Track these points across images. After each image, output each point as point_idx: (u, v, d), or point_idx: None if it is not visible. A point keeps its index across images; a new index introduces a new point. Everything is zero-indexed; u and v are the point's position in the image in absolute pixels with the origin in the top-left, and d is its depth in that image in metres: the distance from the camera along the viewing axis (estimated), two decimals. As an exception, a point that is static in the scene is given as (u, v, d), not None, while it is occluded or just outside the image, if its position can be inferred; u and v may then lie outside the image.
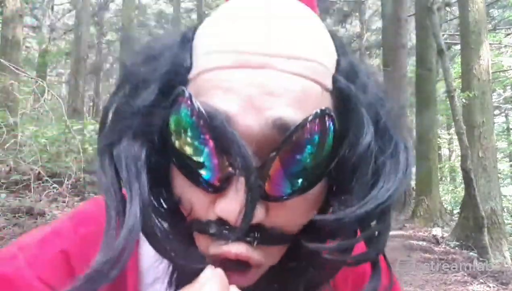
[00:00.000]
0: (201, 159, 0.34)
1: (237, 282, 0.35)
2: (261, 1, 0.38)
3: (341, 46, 0.39)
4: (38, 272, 0.40)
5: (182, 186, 0.36)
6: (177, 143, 0.35)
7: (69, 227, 0.44)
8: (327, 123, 0.34)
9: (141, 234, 0.36)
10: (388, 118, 0.38)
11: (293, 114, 0.33)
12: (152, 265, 0.43)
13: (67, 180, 5.12)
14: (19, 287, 0.39)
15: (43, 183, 4.92)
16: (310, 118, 0.33)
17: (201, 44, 0.37)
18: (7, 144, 5.07)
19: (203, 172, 0.34)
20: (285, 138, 0.33)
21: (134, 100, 0.36)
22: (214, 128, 0.32)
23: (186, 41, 0.38)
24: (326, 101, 0.36)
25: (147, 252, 0.44)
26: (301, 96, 0.34)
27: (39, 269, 0.40)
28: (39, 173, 4.90)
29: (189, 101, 0.34)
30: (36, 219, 4.18)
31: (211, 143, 0.33)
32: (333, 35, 0.40)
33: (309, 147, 0.33)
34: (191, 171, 0.35)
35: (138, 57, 0.39)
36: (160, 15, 18.83)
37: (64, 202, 4.82)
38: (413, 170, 0.39)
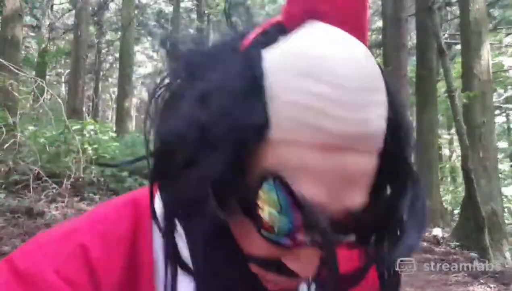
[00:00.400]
0: (283, 231, 0.34)
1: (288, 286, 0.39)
2: (339, 62, 0.33)
3: (394, 92, 0.37)
4: (55, 266, 0.39)
5: (245, 235, 0.37)
6: (262, 213, 0.34)
7: (87, 224, 0.43)
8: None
9: (154, 228, 0.41)
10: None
11: (364, 198, 0.34)
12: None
13: (67, 180, 5.11)
14: (34, 282, 0.38)
15: (42, 183, 4.92)
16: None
17: (286, 101, 0.32)
18: (7, 145, 5.06)
19: (278, 235, 0.34)
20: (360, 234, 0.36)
21: (197, 167, 0.33)
22: (305, 213, 0.32)
23: (257, 82, 0.33)
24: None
25: (159, 246, 0.44)
26: (370, 179, 0.35)
27: (56, 263, 0.39)
28: (38, 173, 4.89)
29: (285, 187, 0.32)
30: (36, 219, 4.17)
31: (297, 222, 0.33)
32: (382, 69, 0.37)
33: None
34: (264, 230, 0.35)
35: (190, 101, 0.34)
36: (159, 14, 18.83)
37: (64, 202, 4.82)
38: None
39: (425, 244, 6.09)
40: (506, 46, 10.90)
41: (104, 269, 0.39)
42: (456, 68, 9.98)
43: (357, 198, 0.33)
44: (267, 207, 0.33)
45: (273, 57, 0.34)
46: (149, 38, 20.75)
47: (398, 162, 0.36)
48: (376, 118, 0.33)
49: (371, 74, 0.34)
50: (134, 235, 0.42)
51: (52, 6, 14.15)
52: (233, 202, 0.35)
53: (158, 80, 0.40)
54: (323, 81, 0.32)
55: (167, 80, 0.40)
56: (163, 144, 0.36)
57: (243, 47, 0.36)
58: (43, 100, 5.81)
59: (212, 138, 0.32)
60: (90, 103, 17.39)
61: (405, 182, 0.37)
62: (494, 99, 7.39)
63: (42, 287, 0.37)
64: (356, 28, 0.36)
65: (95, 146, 6.21)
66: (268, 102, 0.32)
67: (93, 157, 6.09)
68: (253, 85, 0.33)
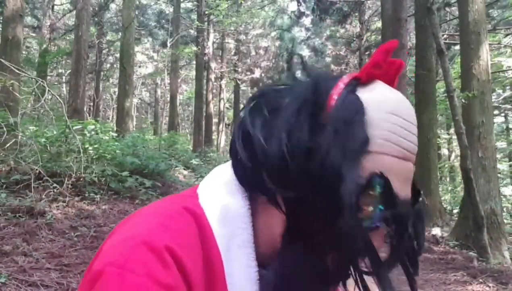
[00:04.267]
0: (378, 217, 0.47)
1: None
2: (409, 108, 0.52)
3: None
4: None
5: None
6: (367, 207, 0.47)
7: (159, 233, 0.46)
8: None
9: (213, 225, 0.49)
10: None
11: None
12: (227, 255, 0.49)
13: (68, 180, 5.12)
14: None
15: (43, 182, 4.92)
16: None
17: (380, 128, 0.48)
18: (8, 144, 5.07)
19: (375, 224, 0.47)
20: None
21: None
22: (399, 211, 0.47)
23: (362, 113, 0.48)
24: None
25: (236, 280, 0.49)
26: None
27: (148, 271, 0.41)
28: (39, 172, 4.90)
29: (388, 188, 0.47)
30: (37, 218, 4.18)
31: (388, 216, 0.47)
32: None
33: None
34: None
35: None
36: (160, 15, 18.84)
37: (65, 202, 4.83)
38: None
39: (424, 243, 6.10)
40: (505, 46, 10.91)
41: (191, 268, 0.44)
42: (455, 68, 9.99)
43: (409, 193, 0.49)
44: (368, 198, 0.46)
45: (365, 99, 0.49)
46: (150, 39, 20.76)
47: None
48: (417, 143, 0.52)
49: (415, 114, 0.54)
50: (199, 238, 0.48)
51: (53, 6, 14.16)
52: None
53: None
54: (400, 116, 0.49)
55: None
56: (312, 159, 0.47)
57: (335, 92, 0.51)
58: (44, 100, 5.82)
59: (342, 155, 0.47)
60: (91, 103, 17.39)
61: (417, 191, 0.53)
62: (493, 99, 7.40)
63: None
64: (392, 84, 0.55)
65: (96, 145, 6.22)
66: (368, 127, 0.48)
67: (94, 157, 6.11)
68: (359, 116, 0.48)
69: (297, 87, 0.52)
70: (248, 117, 0.51)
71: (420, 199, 0.52)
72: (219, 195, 0.51)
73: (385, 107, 0.49)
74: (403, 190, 0.48)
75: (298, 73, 0.56)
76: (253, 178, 0.49)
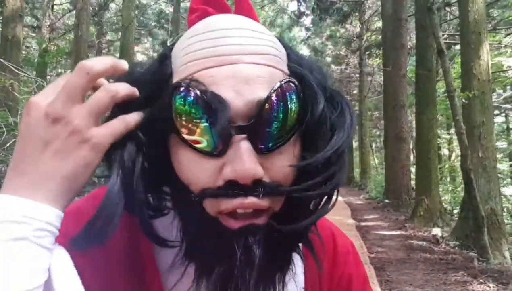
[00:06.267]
0: (205, 132, 0.43)
1: (255, 222, 0.44)
2: (220, 19, 0.49)
3: (287, 46, 0.52)
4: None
5: (188, 165, 0.45)
6: (182, 124, 0.43)
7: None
8: (288, 92, 0.45)
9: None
10: (332, 88, 0.51)
11: (267, 93, 0.44)
12: (170, 269, 0.49)
13: (67, 180, 5.11)
14: None
15: (43, 182, 4.91)
16: (274, 88, 0.44)
17: (181, 56, 0.47)
18: (7, 144, 5.07)
19: (208, 141, 0.43)
20: (260, 108, 0.43)
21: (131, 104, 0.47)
22: (212, 106, 0.42)
23: (164, 56, 0.50)
24: None
25: (163, 258, 0.52)
26: (270, 80, 0.45)
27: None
28: (39, 172, 4.89)
29: (190, 90, 0.43)
30: (36, 218, 4.17)
31: (211, 117, 0.42)
32: (278, 38, 0.52)
33: (281, 108, 0.44)
34: (196, 144, 0.43)
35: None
36: (160, 15, 18.83)
37: (64, 202, 4.82)
38: (356, 125, 0.51)
39: (424, 243, 6.10)
40: (505, 46, 10.91)
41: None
42: (455, 68, 10.00)
43: (257, 93, 0.43)
44: (184, 119, 0.43)
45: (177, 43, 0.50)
46: (150, 39, 20.76)
47: (305, 82, 0.48)
48: (251, 42, 0.46)
49: (247, 22, 0.49)
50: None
51: (52, 6, 14.16)
52: (165, 133, 0.46)
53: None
54: (199, 32, 0.47)
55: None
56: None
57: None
58: (44, 100, 5.79)
59: (142, 91, 0.47)
60: (90, 104, 17.38)
61: (315, 95, 0.47)
62: (493, 99, 7.40)
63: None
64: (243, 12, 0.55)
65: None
66: (172, 63, 0.48)
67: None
68: (162, 59, 0.50)
69: None
70: None
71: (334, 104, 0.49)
72: None
73: (185, 36, 0.49)
74: (238, 93, 0.43)
75: None
76: None
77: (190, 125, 0.43)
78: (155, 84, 0.47)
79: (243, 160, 0.41)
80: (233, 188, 0.42)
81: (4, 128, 4.87)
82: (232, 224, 0.44)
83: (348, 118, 0.49)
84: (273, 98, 0.44)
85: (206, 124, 0.42)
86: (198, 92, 0.42)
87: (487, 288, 4.13)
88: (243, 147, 0.42)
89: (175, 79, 0.46)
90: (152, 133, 0.46)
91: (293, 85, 0.46)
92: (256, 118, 0.43)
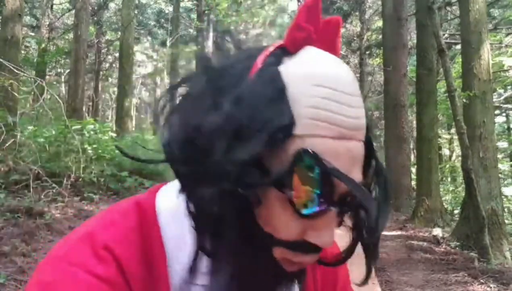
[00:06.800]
0: (313, 199, 0.42)
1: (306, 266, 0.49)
2: (345, 78, 0.45)
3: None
4: (84, 268, 0.43)
5: (280, 219, 0.43)
6: (295, 188, 0.41)
7: (99, 229, 0.48)
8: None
9: (162, 221, 0.48)
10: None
11: (361, 175, 0.45)
12: (177, 254, 0.48)
13: (66, 180, 5.11)
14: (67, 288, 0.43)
15: (42, 182, 4.91)
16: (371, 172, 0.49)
17: (305, 105, 0.42)
18: (7, 144, 5.05)
19: (311, 207, 0.42)
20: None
21: (237, 148, 0.40)
22: (334, 183, 0.41)
23: (281, 91, 0.42)
24: None
25: (171, 238, 0.49)
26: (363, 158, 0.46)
27: (85, 265, 0.44)
28: (38, 172, 4.89)
29: (316, 160, 0.41)
30: (35, 219, 4.17)
31: (326, 190, 0.42)
32: None
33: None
34: (299, 206, 0.42)
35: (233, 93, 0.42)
36: (159, 14, 18.82)
37: (64, 202, 4.81)
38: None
39: (425, 244, 6.09)
40: (506, 46, 10.89)
41: (128, 265, 0.45)
42: (456, 68, 9.98)
43: (359, 174, 0.44)
44: (301, 182, 0.41)
45: (289, 72, 0.43)
46: (149, 38, 20.75)
47: (371, 151, 0.48)
48: (363, 115, 0.45)
49: (355, 82, 0.46)
50: (142, 234, 0.48)
51: (51, 6, 14.15)
52: (266, 186, 0.42)
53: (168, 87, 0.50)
54: (330, 87, 0.42)
55: (183, 88, 0.49)
56: (200, 137, 0.42)
57: (257, 65, 0.44)
58: (43, 100, 5.80)
59: (246, 133, 0.40)
60: (90, 103, 17.38)
61: (380, 168, 0.48)
62: (494, 99, 7.38)
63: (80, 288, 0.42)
64: (333, 48, 0.48)
65: (95, 145, 6.21)
66: (291, 106, 0.42)
67: (93, 157, 6.09)
68: (278, 94, 0.42)
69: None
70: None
71: (380, 179, 0.48)
72: (174, 192, 0.49)
73: (311, 79, 0.42)
74: (347, 173, 0.41)
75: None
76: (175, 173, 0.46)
77: (301, 190, 0.41)
78: (272, 128, 0.40)
79: (329, 233, 0.44)
80: (308, 245, 0.44)
81: (3, 128, 4.85)
82: (290, 268, 0.46)
83: (389, 194, 0.49)
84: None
85: (318, 192, 0.42)
86: (325, 166, 0.41)
87: (488, 289, 4.12)
88: (333, 221, 0.44)
89: (298, 131, 0.41)
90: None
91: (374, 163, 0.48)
92: (351, 197, 0.44)
